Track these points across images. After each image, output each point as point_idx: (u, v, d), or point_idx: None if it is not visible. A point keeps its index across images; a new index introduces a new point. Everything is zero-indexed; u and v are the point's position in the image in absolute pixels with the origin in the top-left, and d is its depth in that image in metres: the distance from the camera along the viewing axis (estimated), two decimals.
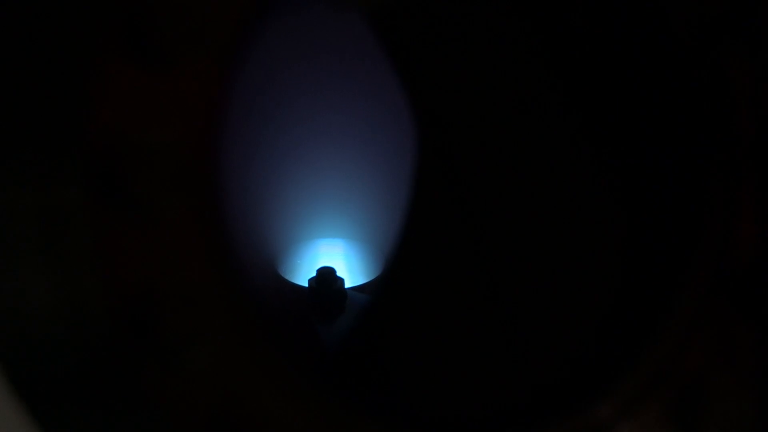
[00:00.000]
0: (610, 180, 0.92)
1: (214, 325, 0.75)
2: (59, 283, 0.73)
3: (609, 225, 0.92)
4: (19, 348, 0.74)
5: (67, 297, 0.73)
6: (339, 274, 1.38)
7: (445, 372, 0.97)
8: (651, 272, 0.87)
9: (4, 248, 0.73)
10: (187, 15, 0.72)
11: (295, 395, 0.76)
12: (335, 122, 1.38)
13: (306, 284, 1.38)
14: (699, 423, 0.80)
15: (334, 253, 1.49)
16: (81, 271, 0.73)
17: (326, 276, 1.36)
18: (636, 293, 0.88)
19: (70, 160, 0.72)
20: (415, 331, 1.02)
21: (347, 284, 1.39)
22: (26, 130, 0.73)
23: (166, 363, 0.74)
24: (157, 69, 0.72)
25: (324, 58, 1.33)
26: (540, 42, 0.93)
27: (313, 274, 1.38)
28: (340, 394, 0.77)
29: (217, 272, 0.75)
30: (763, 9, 0.79)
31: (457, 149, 0.98)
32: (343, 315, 1.34)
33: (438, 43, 0.98)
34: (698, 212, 0.82)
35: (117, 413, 0.74)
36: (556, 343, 0.94)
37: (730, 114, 0.80)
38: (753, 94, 0.79)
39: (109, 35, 0.71)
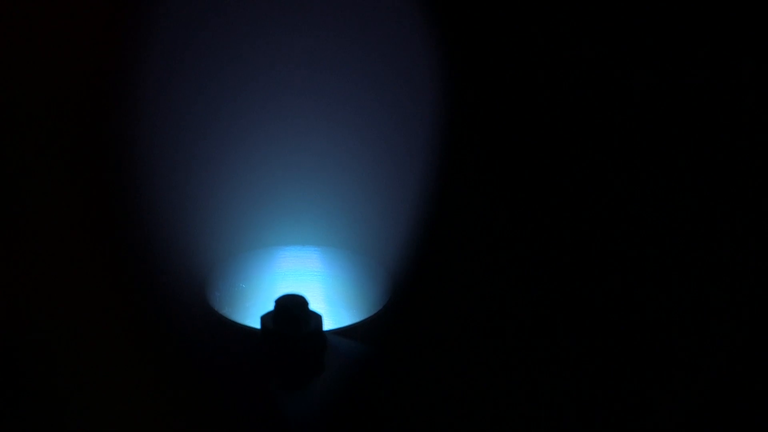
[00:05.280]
0: None
1: (114, 374, 0.66)
2: None
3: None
4: None
5: None
6: (313, 307, 1.04)
7: None
8: None
9: None
10: None
11: None
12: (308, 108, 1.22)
13: (259, 324, 1.05)
14: None
15: (304, 271, 1.18)
16: None
17: (292, 310, 1.01)
18: None
19: None
20: (445, 405, 0.80)
21: (327, 324, 1.05)
22: None
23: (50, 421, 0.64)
24: None
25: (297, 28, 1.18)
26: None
27: (271, 307, 1.03)
28: None
29: (120, 299, 0.66)
30: None
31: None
32: (321, 376, 1.01)
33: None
34: None
35: None
36: None
37: None
38: None
39: None
